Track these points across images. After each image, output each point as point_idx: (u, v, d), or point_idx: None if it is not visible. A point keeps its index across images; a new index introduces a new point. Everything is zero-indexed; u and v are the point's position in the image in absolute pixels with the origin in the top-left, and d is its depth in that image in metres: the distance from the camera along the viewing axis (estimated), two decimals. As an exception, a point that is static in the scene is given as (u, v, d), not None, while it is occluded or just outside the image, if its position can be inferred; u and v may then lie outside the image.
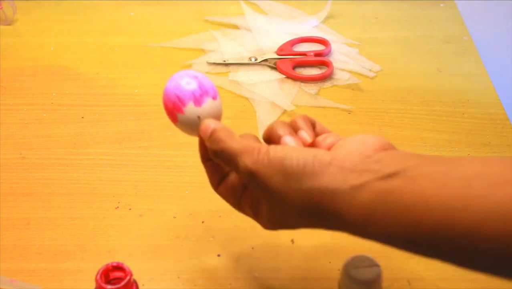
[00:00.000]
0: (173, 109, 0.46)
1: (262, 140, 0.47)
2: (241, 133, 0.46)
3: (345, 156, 0.41)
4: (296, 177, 0.41)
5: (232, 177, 0.48)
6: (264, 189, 0.42)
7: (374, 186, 0.39)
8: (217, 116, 0.47)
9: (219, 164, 0.46)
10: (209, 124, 0.46)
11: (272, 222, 0.45)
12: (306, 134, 0.46)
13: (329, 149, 0.45)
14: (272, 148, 0.42)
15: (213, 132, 0.45)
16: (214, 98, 0.47)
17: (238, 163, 0.43)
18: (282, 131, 0.46)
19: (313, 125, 0.48)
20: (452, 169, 0.38)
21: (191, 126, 0.47)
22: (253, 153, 0.42)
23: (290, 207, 0.42)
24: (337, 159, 0.41)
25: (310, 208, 0.41)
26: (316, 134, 0.47)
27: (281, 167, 0.41)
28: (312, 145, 0.46)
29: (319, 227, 0.43)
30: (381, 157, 0.41)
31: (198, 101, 0.46)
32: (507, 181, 0.36)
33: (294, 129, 0.47)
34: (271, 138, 0.46)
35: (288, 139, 0.45)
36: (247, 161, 0.42)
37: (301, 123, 0.47)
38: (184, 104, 0.46)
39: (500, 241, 0.35)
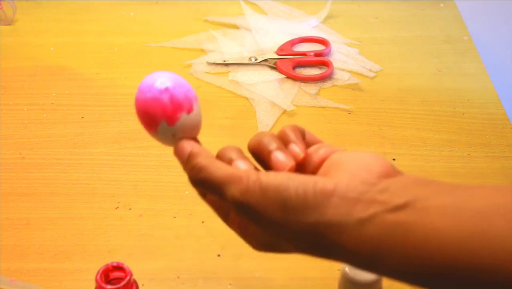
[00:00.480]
0: (146, 126, 0.42)
1: (248, 153, 0.43)
2: (222, 147, 0.41)
3: (348, 183, 0.37)
4: (296, 210, 0.37)
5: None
6: (257, 220, 0.38)
7: (383, 219, 0.36)
8: (195, 130, 0.42)
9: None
10: (184, 147, 0.41)
11: (262, 246, 0.42)
12: (297, 148, 0.41)
13: (322, 161, 0.41)
14: (263, 175, 0.38)
15: (190, 158, 0.40)
16: (189, 111, 0.41)
17: (225, 192, 0.38)
18: (272, 146, 0.41)
19: (302, 135, 0.43)
20: (465, 200, 0.36)
21: (169, 143, 0.42)
22: (241, 182, 0.38)
23: (287, 238, 0.38)
24: (340, 188, 0.37)
25: (311, 241, 0.37)
26: (307, 144, 0.43)
27: (277, 197, 0.37)
28: (304, 159, 0.42)
29: (318, 256, 0.39)
30: (388, 185, 0.37)
31: (171, 119, 0.40)
32: None
33: (283, 142, 0.42)
34: (259, 153, 0.41)
35: (280, 156, 0.40)
36: (235, 191, 0.38)
37: (291, 135, 0.42)
38: (156, 123, 0.41)
39: None
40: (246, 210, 0.38)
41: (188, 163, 0.40)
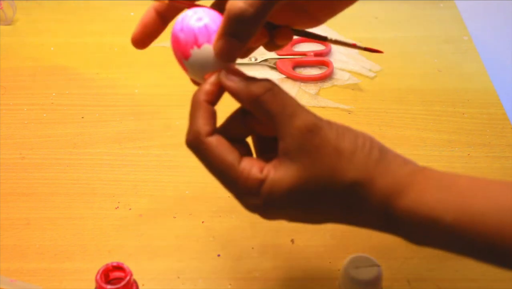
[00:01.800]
0: (189, 43, 0.44)
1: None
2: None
3: (397, 153, 0.42)
4: (365, 147, 0.41)
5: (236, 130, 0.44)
6: (325, 146, 0.39)
7: (435, 171, 0.40)
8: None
9: (257, 109, 0.41)
10: (239, 72, 0.42)
11: (290, 193, 0.40)
12: None
13: None
14: (328, 120, 0.41)
15: (264, 82, 0.41)
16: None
17: (299, 113, 0.40)
18: None
19: None
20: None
21: (207, 68, 0.43)
22: (315, 113, 0.41)
23: (345, 171, 0.39)
24: (393, 151, 0.42)
25: (366, 177, 0.40)
26: None
27: (348, 135, 0.41)
28: None
29: (350, 214, 0.41)
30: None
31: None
32: None
33: None
34: None
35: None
36: (311, 114, 0.40)
37: None
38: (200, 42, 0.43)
39: None
40: (318, 132, 0.39)
41: (256, 80, 0.41)
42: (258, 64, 0.84)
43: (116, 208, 0.65)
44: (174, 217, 0.64)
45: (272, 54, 0.85)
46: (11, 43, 0.88)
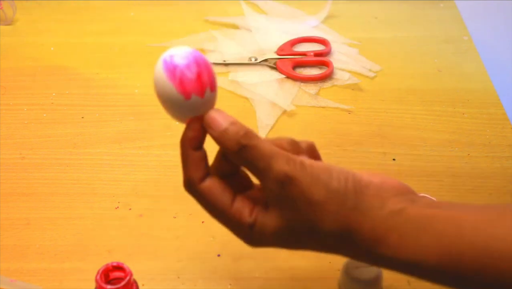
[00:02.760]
0: (198, 86, 0.41)
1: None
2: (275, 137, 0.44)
3: (381, 184, 0.41)
4: (337, 193, 0.39)
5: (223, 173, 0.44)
6: (299, 198, 0.40)
7: (411, 211, 0.39)
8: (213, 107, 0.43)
9: (236, 161, 0.42)
10: (218, 117, 0.42)
11: (277, 235, 0.42)
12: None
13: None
14: (307, 159, 0.41)
15: (236, 129, 0.41)
16: (212, 89, 0.43)
17: (272, 165, 0.40)
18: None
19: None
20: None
21: (189, 115, 0.43)
22: (289, 159, 0.40)
23: (320, 224, 0.40)
24: (375, 185, 0.40)
25: (343, 228, 0.40)
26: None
27: (321, 178, 0.39)
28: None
29: (340, 252, 0.42)
30: (418, 197, 0.41)
31: (201, 93, 0.42)
32: None
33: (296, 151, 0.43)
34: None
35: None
36: (283, 165, 0.40)
37: (303, 145, 0.44)
38: (203, 88, 0.42)
39: None
40: (291, 185, 0.39)
41: (230, 133, 0.41)
42: (258, 64, 0.84)
43: (116, 208, 0.65)
44: (174, 217, 0.64)
45: (272, 54, 0.85)
46: (11, 43, 0.88)
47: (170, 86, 0.41)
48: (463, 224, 0.38)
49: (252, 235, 0.42)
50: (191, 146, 0.42)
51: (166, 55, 0.42)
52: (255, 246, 0.43)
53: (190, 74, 0.41)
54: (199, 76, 0.41)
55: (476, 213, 0.39)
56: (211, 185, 0.42)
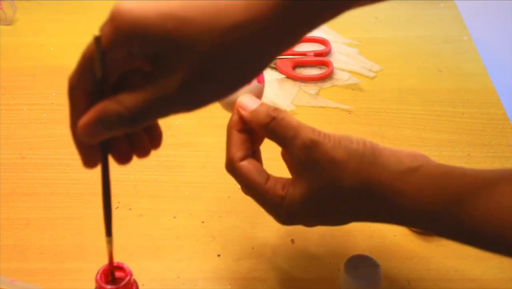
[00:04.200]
0: None
1: None
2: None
3: (396, 149, 0.45)
4: (356, 154, 0.44)
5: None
6: (322, 159, 0.44)
7: (427, 169, 0.43)
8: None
9: (266, 133, 0.47)
10: (249, 100, 0.48)
11: (304, 202, 0.45)
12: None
13: None
14: (325, 132, 0.45)
15: (272, 106, 0.47)
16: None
17: (299, 133, 0.45)
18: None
19: None
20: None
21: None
22: (314, 129, 0.45)
23: (343, 180, 0.44)
24: (391, 148, 0.45)
25: (363, 188, 0.43)
26: None
27: (343, 143, 0.44)
28: None
29: (360, 216, 0.45)
30: (433, 160, 0.45)
31: (259, 80, 0.50)
32: None
33: None
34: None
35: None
36: (309, 132, 0.45)
37: None
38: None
39: None
40: (317, 149, 0.44)
41: (261, 110, 0.47)
42: (258, 64, 0.84)
43: (116, 208, 0.65)
44: (174, 217, 0.64)
45: (272, 54, 0.85)
46: (11, 43, 0.88)
47: None
48: (478, 180, 0.41)
49: (283, 209, 0.45)
50: (235, 128, 0.48)
51: None
52: (286, 222, 0.47)
53: None
54: None
55: (491, 171, 0.42)
56: (249, 164, 0.47)
